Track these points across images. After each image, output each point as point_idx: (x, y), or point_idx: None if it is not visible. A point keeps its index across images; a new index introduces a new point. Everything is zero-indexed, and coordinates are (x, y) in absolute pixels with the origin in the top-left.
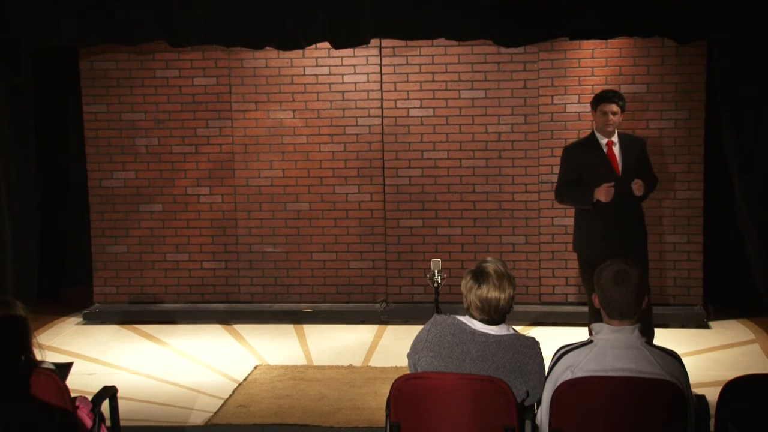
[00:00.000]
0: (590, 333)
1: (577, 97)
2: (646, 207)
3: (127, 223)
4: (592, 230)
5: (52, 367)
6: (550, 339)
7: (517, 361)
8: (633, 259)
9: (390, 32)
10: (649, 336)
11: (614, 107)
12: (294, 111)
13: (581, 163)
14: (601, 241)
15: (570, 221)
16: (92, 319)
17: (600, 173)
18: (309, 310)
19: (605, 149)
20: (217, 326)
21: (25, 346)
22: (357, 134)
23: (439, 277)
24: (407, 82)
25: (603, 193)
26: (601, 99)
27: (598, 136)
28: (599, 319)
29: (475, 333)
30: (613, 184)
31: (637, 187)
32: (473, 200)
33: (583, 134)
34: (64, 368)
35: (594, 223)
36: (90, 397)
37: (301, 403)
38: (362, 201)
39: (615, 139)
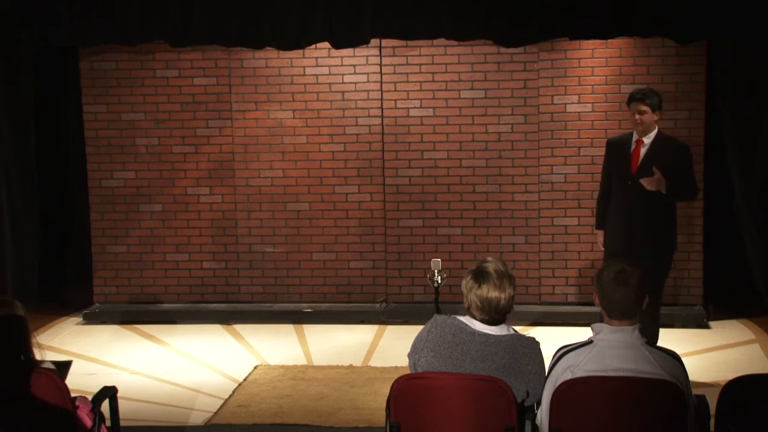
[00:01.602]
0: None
1: (577, 97)
2: None
3: (127, 223)
4: (610, 229)
5: (52, 367)
6: (550, 339)
7: (517, 362)
8: (646, 261)
9: (390, 32)
10: (653, 337)
11: (641, 107)
12: (294, 111)
13: (611, 155)
14: (614, 240)
15: (570, 221)
16: (92, 319)
17: (618, 168)
18: (309, 310)
19: (633, 147)
20: (217, 326)
21: (24, 346)
22: (357, 134)
23: (439, 277)
24: (407, 82)
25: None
26: (629, 99)
27: (634, 133)
28: None
29: (475, 333)
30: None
31: (648, 181)
32: (473, 200)
33: (583, 134)
34: (64, 367)
35: (611, 222)
36: (90, 397)
37: (301, 403)
38: (362, 201)
39: (647, 139)
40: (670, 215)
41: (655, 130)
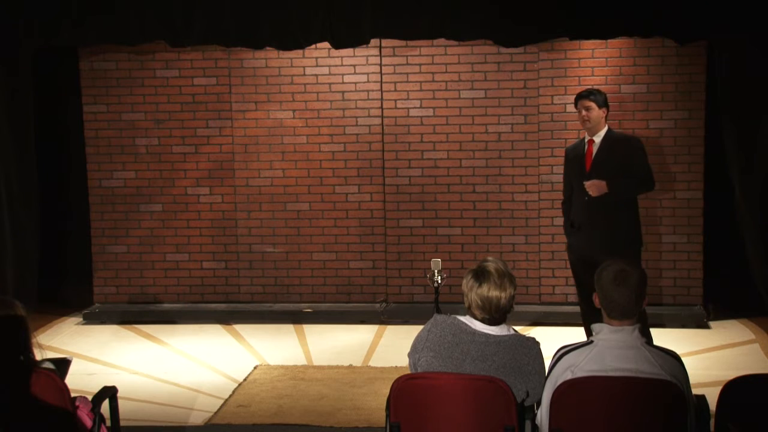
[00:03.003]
0: (586, 332)
1: None
2: (645, 207)
3: (127, 223)
4: (574, 231)
5: (52, 367)
6: (550, 339)
7: (517, 362)
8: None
9: (390, 32)
10: (647, 338)
11: (585, 102)
12: (294, 111)
13: (568, 161)
14: (579, 242)
15: None
16: (92, 319)
17: (574, 170)
18: (309, 310)
19: (586, 147)
20: (217, 326)
21: (24, 346)
22: (357, 134)
23: (439, 277)
24: (407, 82)
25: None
26: (576, 99)
27: (586, 134)
28: (590, 317)
29: (475, 333)
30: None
31: (589, 185)
32: (473, 200)
33: (582, 134)
34: (63, 365)
35: (575, 224)
36: (90, 397)
37: (301, 403)
38: (362, 201)
39: (597, 138)
40: (631, 212)
41: (605, 129)
